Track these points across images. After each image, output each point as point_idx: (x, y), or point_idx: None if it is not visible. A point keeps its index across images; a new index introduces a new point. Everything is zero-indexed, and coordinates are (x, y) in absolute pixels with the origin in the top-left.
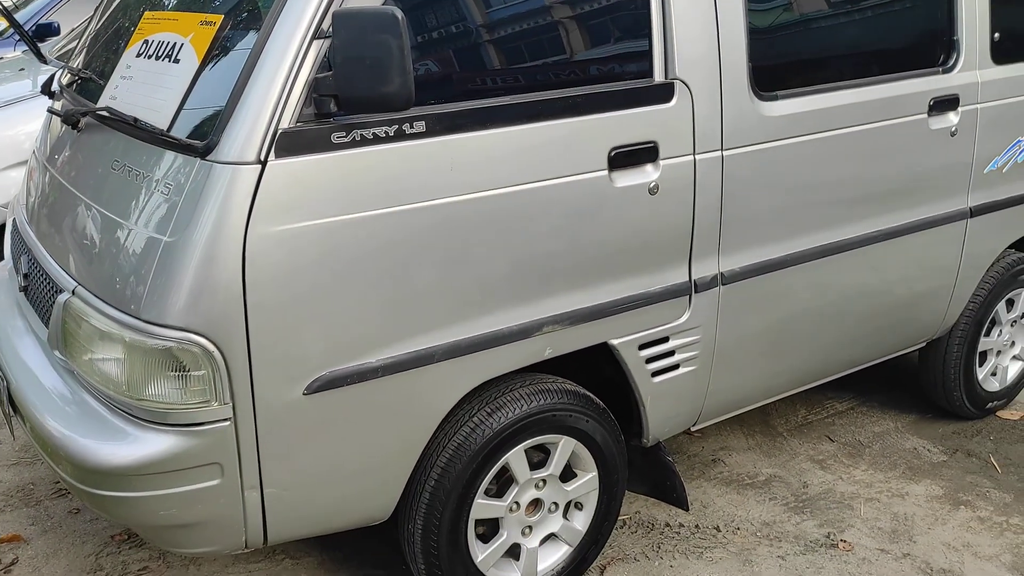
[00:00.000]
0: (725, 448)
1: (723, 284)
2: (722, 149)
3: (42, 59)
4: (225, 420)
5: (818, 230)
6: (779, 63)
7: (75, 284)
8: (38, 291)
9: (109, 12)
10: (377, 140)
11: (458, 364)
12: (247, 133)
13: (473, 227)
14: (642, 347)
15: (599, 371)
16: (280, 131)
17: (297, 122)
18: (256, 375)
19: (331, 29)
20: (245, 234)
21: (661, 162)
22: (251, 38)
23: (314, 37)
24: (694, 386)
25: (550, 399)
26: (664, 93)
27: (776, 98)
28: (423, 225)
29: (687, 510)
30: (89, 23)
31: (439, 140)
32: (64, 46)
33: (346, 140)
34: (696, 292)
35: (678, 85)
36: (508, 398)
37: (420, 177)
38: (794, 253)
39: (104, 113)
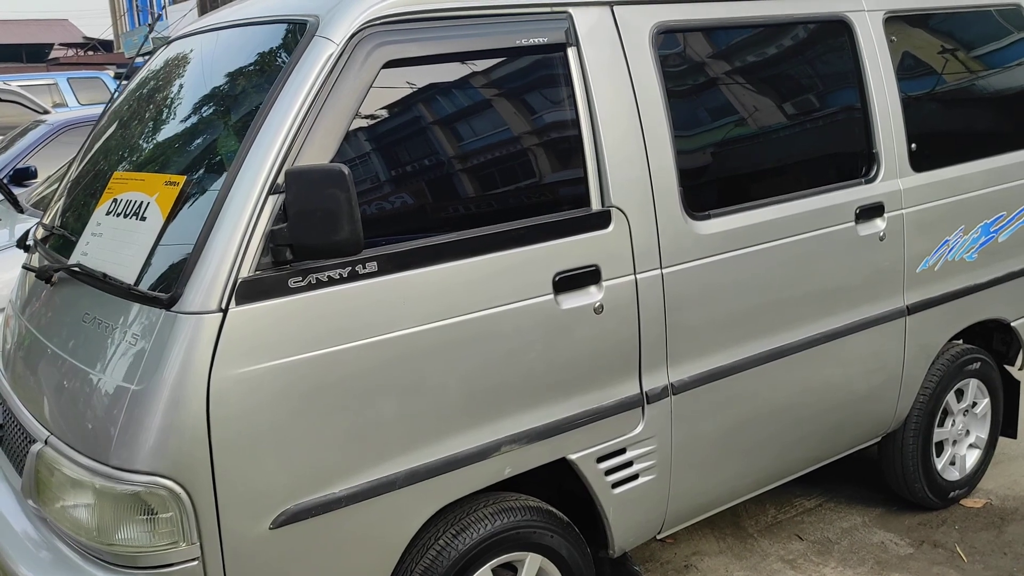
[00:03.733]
0: (697, 553)
1: (674, 394)
2: (661, 268)
3: (18, 208)
4: (193, 560)
5: (761, 336)
6: (707, 184)
7: (47, 434)
8: (12, 440)
9: (81, 168)
10: (332, 282)
11: (419, 489)
12: (208, 283)
13: (426, 357)
14: (600, 460)
15: (561, 485)
16: (240, 280)
17: (256, 270)
18: (223, 513)
19: (284, 185)
20: (209, 378)
21: (604, 283)
22: (211, 196)
23: (269, 192)
24: (655, 494)
25: (514, 517)
26: (602, 220)
27: (708, 217)
28: (378, 358)
29: None
30: (64, 174)
31: (391, 278)
32: (40, 193)
33: (302, 284)
34: (648, 403)
35: (614, 212)
36: (473, 518)
37: (374, 313)
38: (740, 360)
39: (76, 269)
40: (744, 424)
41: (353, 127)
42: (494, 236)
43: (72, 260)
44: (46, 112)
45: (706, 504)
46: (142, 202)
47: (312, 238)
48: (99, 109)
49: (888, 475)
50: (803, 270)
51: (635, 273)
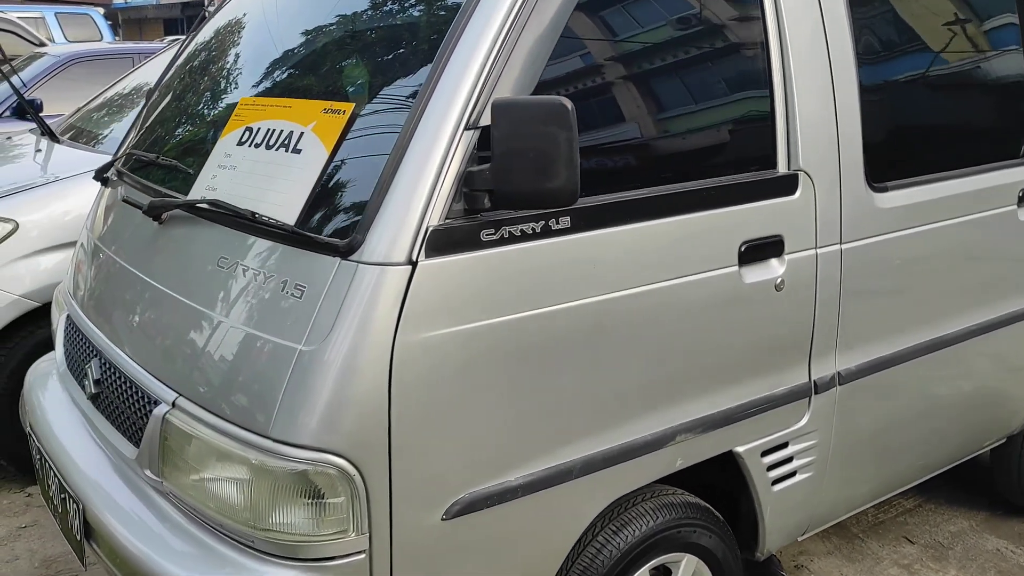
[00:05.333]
0: (805, 553)
1: (840, 384)
2: (841, 243)
3: (55, 138)
4: (360, 553)
5: (922, 325)
6: (888, 152)
7: (175, 395)
8: (117, 401)
9: (175, 93)
10: (524, 237)
11: (595, 479)
12: (395, 231)
13: (611, 329)
14: (764, 454)
15: (701, 481)
16: (430, 228)
17: (446, 218)
18: (396, 500)
19: (491, 120)
20: (393, 342)
21: (786, 256)
22: (390, 128)
23: (466, 127)
24: (810, 493)
25: (675, 514)
26: (789, 185)
27: (887, 189)
28: (564, 328)
29: None
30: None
31: (583, 236)
32: (71, 123)
33: (494, 238)
34: (816, 393)
35: (802, 177)
36: (633, 514)
37: (563, 276)
38: (901, 350)
39: (205, 206)
40: (896, 420)
41: (552, 58)
42: (684, 196)
43: (195, 195)
44: (42, 44)
45: (848, 506)
46: (292, 131)
47: (520, 183)
48: (101, 46)
49: (1001, 478)
50: (966, 254)
51: (816, 247)
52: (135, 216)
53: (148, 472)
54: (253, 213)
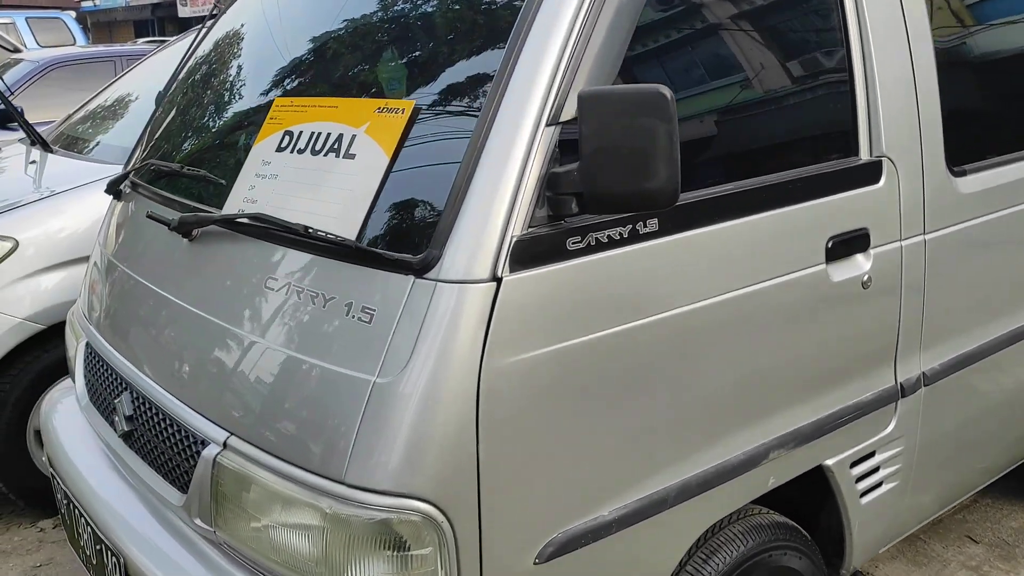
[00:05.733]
0: (870, 560)
1: (925, 384)
2: (924, 232)
3: (47, 148)
4: None
5: (1001, 316)
6: (966, 134)
7: (226, 434)
8: (155, 440)
9: (189, 99)
10: (611, 244)
11: (690, 506)
12: (476, 243)
13: (701, 341)
14: (853, 465)
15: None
16: (515, 239)
17: (528, 227)
18: (486, 547)
19: (578, 114)
20: (480, 368)
21: (872, 251)
22: (458, 126)
23: (548, 123)
24: (895, 503)
25: (765, 536)
26: (872, 173)
27: (966, 173)
28: (654, 342)
29: None
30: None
31: (671, 240)
32: (64, 132)
33: (581, 246)
34: (902, 397)
35: (885, 163)
36: (722, 539)
37: (653, 285)
38: (984, 344)
39: (245, 220)
40: (975, 419)
41: (631, 43)
42: (771, 190)
43: (230, 208)
44: (17, 50)
45: (926, 514)
46: (342, 135)
47: (614, 184)
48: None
49: None
50: None
51: (901, 239)
52: (160, 233)
53: (198, 521)
54: (306, 228)
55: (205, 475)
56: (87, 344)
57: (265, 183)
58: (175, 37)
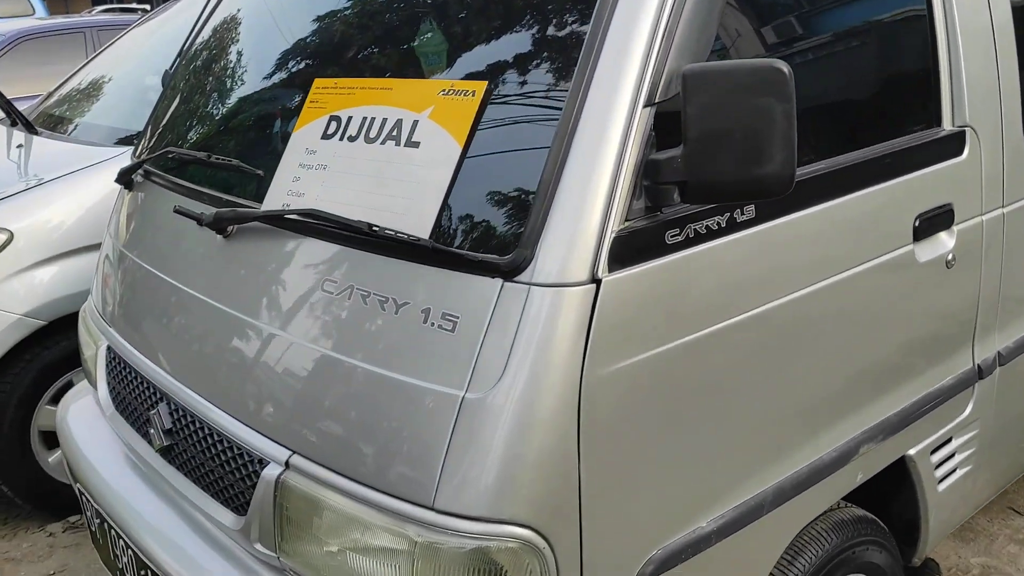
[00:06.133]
0: None
1: (1000, 365)
2: (1003, 205)
3: (32, 130)
4: None
5: None
6: None
7: (288, 452)
8: (201, 457)
9: (206, 80)
10: (709, 235)
11: (784, 510)
12: (572, 241)
13: (796, 334)
14: (932, 453)
15: None
16: (614, 235)
17: (625, 220)
18: (587, 569)
19: (683, 94)
20: (580, 379)
21: (955, 228)
22: (540, 109)
23: (645, 104)
24: (968, 488)
25: (847, 532)
26: (956, 145)
27: None
28: (752, 338)
29: None
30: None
31: (767, 227)
32: (47, 112)
33: (679, 239)
34: (980, 379)
35: (969, 134)
36: (807, 538)
37: (750, 277)
38: None
39: (294, 217)
40: None
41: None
42: (862, 168)
43: (272, 202)
44: None
45: (991, 495)
46: (400, 120)
47: (723, 171)
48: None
49: None
50: None
51: (982, 213)
52: (188, 228)
53: (259, 546)
54: (370, 225)
55: (266, 497)
56: (108, 348)
57: (312, 174)
58: (156, 8)
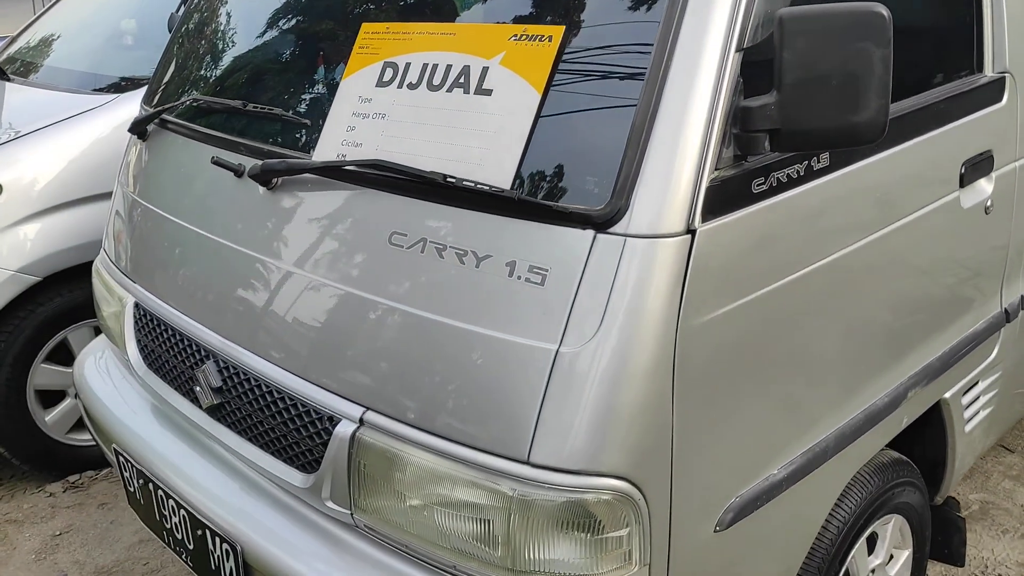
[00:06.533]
0: None
1: (1023, 309)
2: None
3: (3, 76)
4: None
5: None
6: None
7: (362, 409)
8: (258, 414)
9: (225, 21)
10: (789, 183)
11: (844, 455)
12: (666, 191)
13: (861, 281)
14: (962, 395)
15: None
16: (707, 184)
17: (715, 169)
18: (675, 520)
19: (777, 38)
20: (676, 331)
21: (994, 174)
22: (620, 55)
23: (737, 50)
24: (987, 428)
25: (887, 475)
26: (996, 91)
27: None
28: (826, 285)
29: (962, 566)
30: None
31: (840, 175)
32: (15, 56)
33: (764, 188)
34: (1007, 322)
35: (1008, 80)
36: (852, 481)
37: (825, 225)
38: None
39: (353, 168)
40: None
41: None
42: (915, 116)
43: (323, 152)
44: None
45: (998, 437)
46: (467, 66)
47: (819, 119)
48: None
49: None
50: None
51: (1016, 159)
52: (221, 179)
53: (331, 503)
54: (445, 177)
55: (340, 454)
56: (136, 305)
57: (369, 123)
58: None
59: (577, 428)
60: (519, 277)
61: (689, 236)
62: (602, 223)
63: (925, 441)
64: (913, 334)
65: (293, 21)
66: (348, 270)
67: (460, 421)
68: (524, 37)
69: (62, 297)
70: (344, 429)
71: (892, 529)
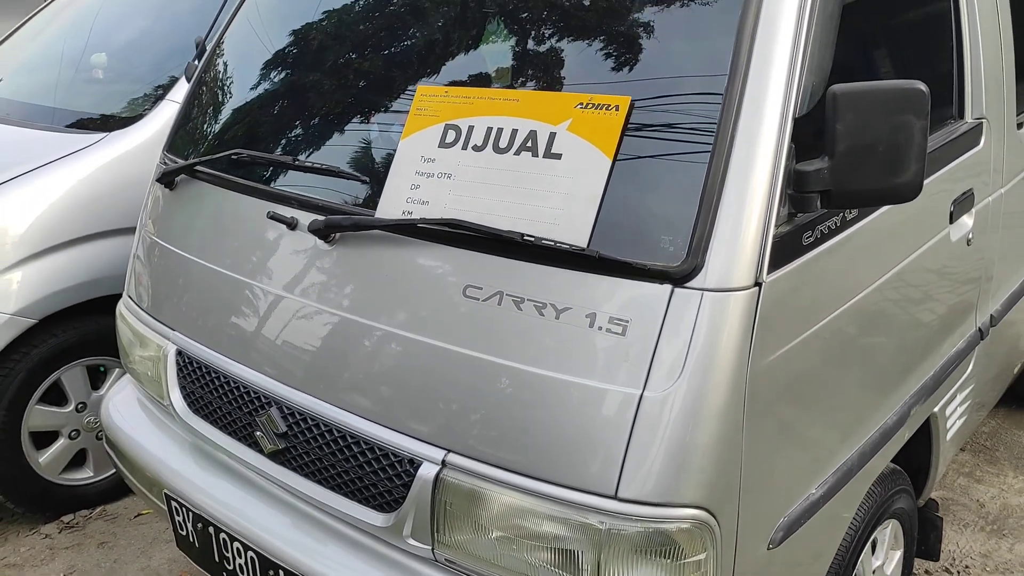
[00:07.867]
0: None
1: (992, 326)
2: (1003, 185)
3: None
4: None
5: None
6: (1020, 90)
7: (443, 452)
8: (330, 459)
9: (263, 73)
10: (829, 234)
11: (864, 472)
12: (737, 248)
13: (883, 310)
14: (946, 408)
15: None
16: (772, 240)
17: (776, 226)
18: (740, 541)
19: (831, 111)
20: (747, 374)
21: (974, 210)
22: (687, 122)
23: (794, 118)
24: (961, 435)
25: (887, 485)
26: (975, 135)
27: (1020, 126)
28: (855, 321)
29: (937, 559)
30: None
31: (865, 223)
32: None
33: (811, 240)
34: (981, 340)
35: (984, 124)
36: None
37: (855, 268)
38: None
39: (427, 226)
40: (1007, 352)
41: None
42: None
43: (387, 209)
44: None
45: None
46: (534, 131)
47: (865, 181)
48: None
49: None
50: None
51: (990, 195)
52: (269, 231)
53: (412, 540)
54: (522, 235)
55: (423, 495)
56: (179, 352)
57: (434, 182)
58: None
59: (660, 464)
60: (600, 328)
61: (757, 288)
62: (679, 278)
63: (910, 451)
64: (914, 356)
65: (331, 78)
66: (422, 322)
67: (544, 460)
68: (591, 106)
69: (56, 338)
70: (427, 471)
71: (889, 533)
